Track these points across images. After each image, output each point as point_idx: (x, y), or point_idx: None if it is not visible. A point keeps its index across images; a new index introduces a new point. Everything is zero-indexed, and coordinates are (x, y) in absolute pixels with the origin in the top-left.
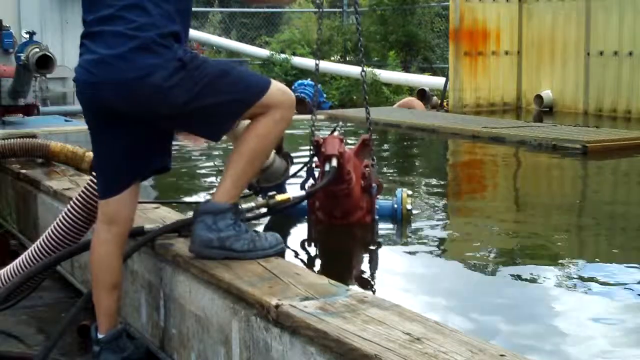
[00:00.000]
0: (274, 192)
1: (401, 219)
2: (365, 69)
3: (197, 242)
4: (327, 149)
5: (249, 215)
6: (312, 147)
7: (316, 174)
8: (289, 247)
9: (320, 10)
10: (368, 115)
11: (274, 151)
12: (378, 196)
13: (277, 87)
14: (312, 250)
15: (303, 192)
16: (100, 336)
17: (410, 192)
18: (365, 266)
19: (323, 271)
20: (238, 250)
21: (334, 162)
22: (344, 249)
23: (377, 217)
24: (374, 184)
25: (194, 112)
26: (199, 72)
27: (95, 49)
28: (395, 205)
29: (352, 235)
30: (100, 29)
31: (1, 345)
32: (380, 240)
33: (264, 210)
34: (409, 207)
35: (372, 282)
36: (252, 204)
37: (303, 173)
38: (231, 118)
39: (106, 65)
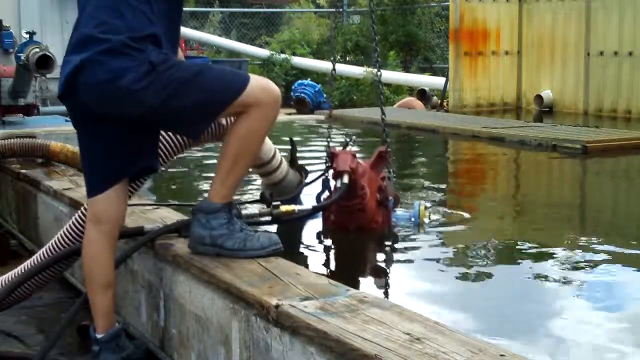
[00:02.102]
0: (279, 202)
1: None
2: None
3: (192, 238)
4: (338, 165)
5: (250, 221)
6: (327, 158)
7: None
8: (299, 247)
9: (336, 10)
10: (384, 128)
11: (287, 164)
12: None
13: (257, 86)
14: (316, 252)
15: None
16: (99, 336)
17: (428, 205)
18: (366, 267)
19: (324, 272)
20: (228, 249)
21: (345, 179)
22: (347, 251)
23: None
24: (390, 197)
25: (169, 113)
26: (170, 73)
27: (72, 50)
28: (412, 218)
29: (354, 237)
30: (78, 30)
31: (1, 345)
32: (381, 241)
33: (267, 218)
34: (426, 220)
35: (373, 283)
36: (256, 212)
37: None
38: (208, 118)
39: (79, 67)
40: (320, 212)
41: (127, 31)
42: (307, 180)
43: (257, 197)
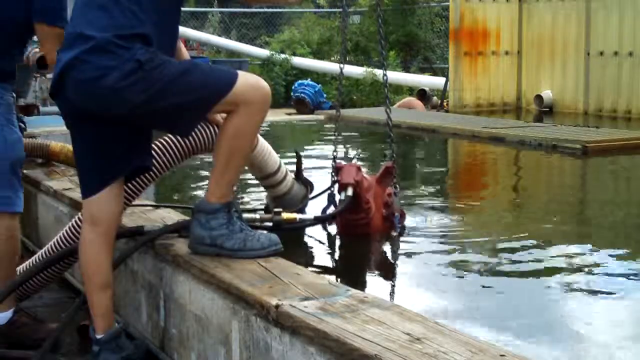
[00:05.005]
0: (281, 209)
1: None
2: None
3: (192, 239)
4: (342, 177)
5: (251, 224)
6: (333, 173)
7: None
8: (300, 247)
9: (344, 10)
10: (392, 144)
11: (293, 178)
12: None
13: (245, 83)
14: (316, 252)
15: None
16: (98, 336)
17: (428, 218)
18: (366, 267)
19: (324, 272)
20: (228, 249)
21: (350, 191)
22: (347, 251)
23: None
24: (396, 213)
25: (157, 112)
26: (157, 72)
27: (63, 48)
28: None
29: (355, 237)
30: (68, 26)
31: (1, 345)
32: (382, 242)
33: (268, 224)
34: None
35: (373, 283)
36: (257, 216)
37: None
38: (197, 116)
39: (68, 65)
40: (321, 224)
41: (114, 29)
42: (313, 194)
43: (257, 206)
